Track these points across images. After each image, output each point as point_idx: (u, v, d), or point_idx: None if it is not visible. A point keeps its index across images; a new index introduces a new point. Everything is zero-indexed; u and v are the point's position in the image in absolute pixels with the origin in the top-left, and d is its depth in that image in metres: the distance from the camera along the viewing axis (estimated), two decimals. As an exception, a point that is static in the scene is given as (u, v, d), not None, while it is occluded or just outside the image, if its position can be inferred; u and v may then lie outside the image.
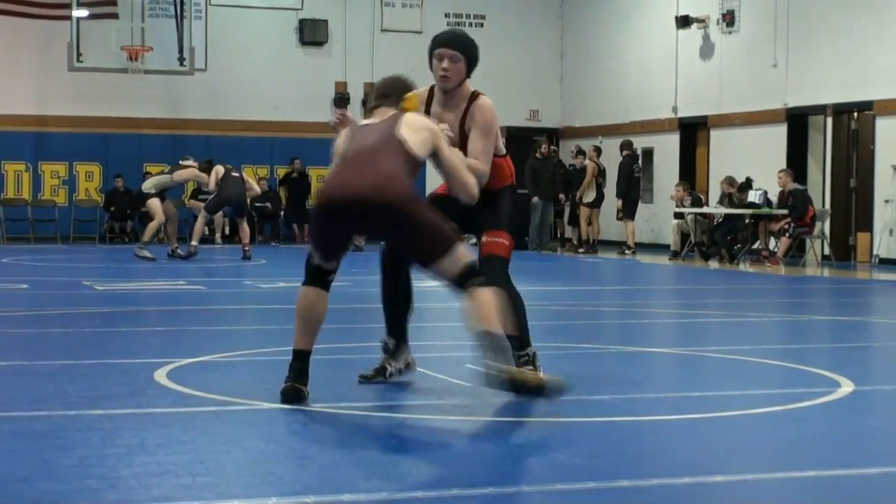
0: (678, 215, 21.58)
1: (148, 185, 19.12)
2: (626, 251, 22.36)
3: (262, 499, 4.21)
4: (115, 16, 24.14)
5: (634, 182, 22.97)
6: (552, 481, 4.54)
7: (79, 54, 23.16)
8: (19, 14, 24.03)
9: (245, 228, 19.62)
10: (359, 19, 26.12)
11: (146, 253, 18.15)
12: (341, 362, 7.75)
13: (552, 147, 25.14)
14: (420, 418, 5.89)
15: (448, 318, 11.20)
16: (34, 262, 18.00)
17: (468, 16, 26.88)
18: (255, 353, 8.04)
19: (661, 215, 23.96)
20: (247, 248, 19.25)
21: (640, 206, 23.38)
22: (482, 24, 26.96)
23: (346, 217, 5.91)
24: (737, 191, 20.74)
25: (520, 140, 26.96)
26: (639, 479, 4.63)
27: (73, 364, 7.40)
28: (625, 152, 22.97)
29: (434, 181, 6.58)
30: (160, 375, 6.82)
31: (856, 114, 20.59)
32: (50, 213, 24.31)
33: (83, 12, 23.39)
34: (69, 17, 23.35)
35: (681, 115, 24.01)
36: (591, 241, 23.23)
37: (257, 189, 20.70)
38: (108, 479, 4.49)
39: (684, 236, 21.51)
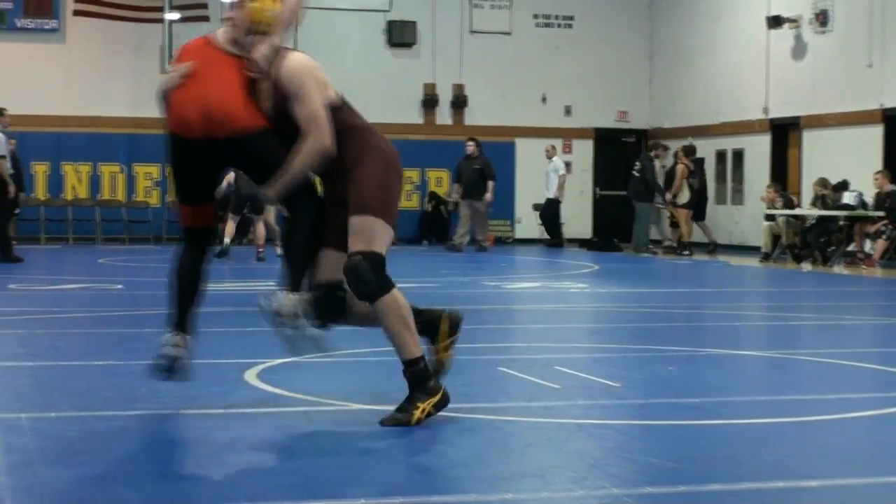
0: (769, 217, 21.34)
1: None
2: (682, 252, 22.35)
3: (352, 500, 4.22)
4: (206, 18, 24.37)
5: (698, 185, 23.08)
6: (642, 484, 4.51)
7: (171, 57, 23.37)
8: (115, 17, 24.37)
9: (261, 229, 19.37)
10: (447, 20, 26.12)
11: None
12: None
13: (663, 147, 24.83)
14: (507, 420, 5.87)
15: (536, 321, 11.17)
16: (128, 262, 18.22)
17: (556, 17, 26.78)
18: (344, 354, 8.05)
19: (751, 217, 23.70)
20: (261, 250, 19.07)
21: (731, 207, 23.10)
22: (570, 25, 26.86)
23: None
24: (831, 192, 20.47)
25: (608, 140, 26.86)
26: (730, 482, 4.58)
27: (166, 364, 7.46)
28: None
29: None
30: (251, 375, 6.87)
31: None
32: (143, 215, 24.59)
33: (175, 15, 23.65)
34: (162, 20, 23.62)
35: (772, 115, 23.74)
36: (683, 242, 23.03)
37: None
38: (198, 479, 4.53)
39: (775, 238, 21.26)
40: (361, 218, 5.48)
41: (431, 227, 25.78)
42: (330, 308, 5.56)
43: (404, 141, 25.83)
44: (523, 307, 12.20)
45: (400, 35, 25.83)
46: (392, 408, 5.81)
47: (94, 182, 24.76)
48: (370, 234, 5.48)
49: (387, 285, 5.49)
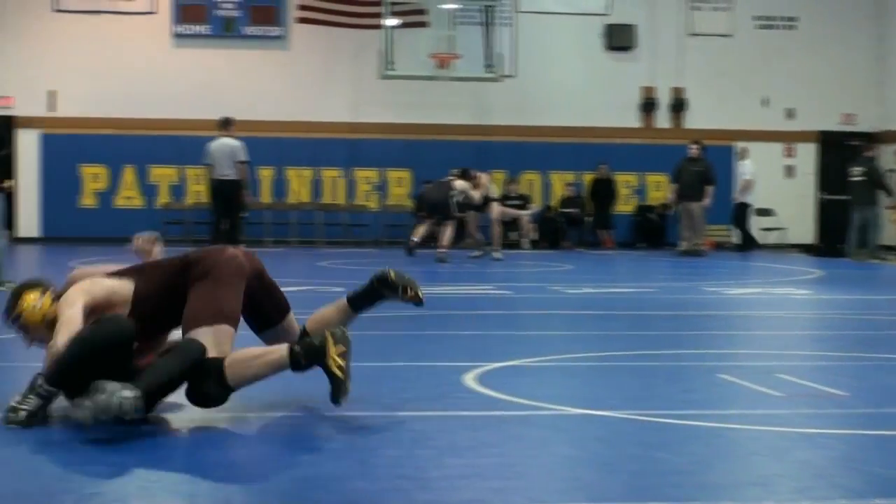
0: None
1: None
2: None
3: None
4: (425, 24, 24.66)
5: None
6: (871, 496, 4.37)
7: (390, 62, 23.72)
8: (336, 24, 24.85)
9: (445, 231, 19.59)
10: (666, 23, 25.85)
11: (497, 255, 19.32)
12: (646, 370, 7.67)
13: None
14: (728, 427, 5.76)
15: (757, 327, 10.96)
16: (348, 265, 18.52)
17: (779, 18, 26.24)
18: (563, 359, 8.03)
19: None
20: (440, 251, 19.21)
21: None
22: (794, 27, 26.29)
23: None
24: None
25: (832, 144, 26.19)
26: (965, 498, 4.40)
27: (386, 366, 7.56)
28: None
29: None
30: (469, 379, 6.90)
31: None
32: (363, 218, 24.99)
33: (395, 21, 23.97)
34: (381, 27, 23.96)
35: None
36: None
37: (473, 196, 20.53)
38: (418, 480, 4.56)
39: None
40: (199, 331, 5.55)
41: (646, 232, 25.53)
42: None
43: (622, 145, 25.73)
44: (743, 313, 11.97)
45: (618, 38, 25.67)
46: (609, 413, 5.77)
47: (316, 186, 25.28)
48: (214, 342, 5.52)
49: (225, 387, 5.49)
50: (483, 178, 20.61)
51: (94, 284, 5.80)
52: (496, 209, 20.53)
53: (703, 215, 22.65)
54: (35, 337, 5.87)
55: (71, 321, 5.55)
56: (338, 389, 5.45)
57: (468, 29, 24.52)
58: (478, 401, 6.29)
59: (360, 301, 6.47)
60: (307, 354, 5.46)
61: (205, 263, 5.77)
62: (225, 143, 18.66)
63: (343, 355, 5.48)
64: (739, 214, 24.37)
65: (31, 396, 5.39)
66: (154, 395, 5.37)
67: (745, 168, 24.26)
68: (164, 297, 5.76)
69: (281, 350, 5.55)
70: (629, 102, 25.84)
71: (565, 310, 12.06)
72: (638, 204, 25.78)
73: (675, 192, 22.98)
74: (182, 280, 5.75)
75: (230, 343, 5.61)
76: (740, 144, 24.77)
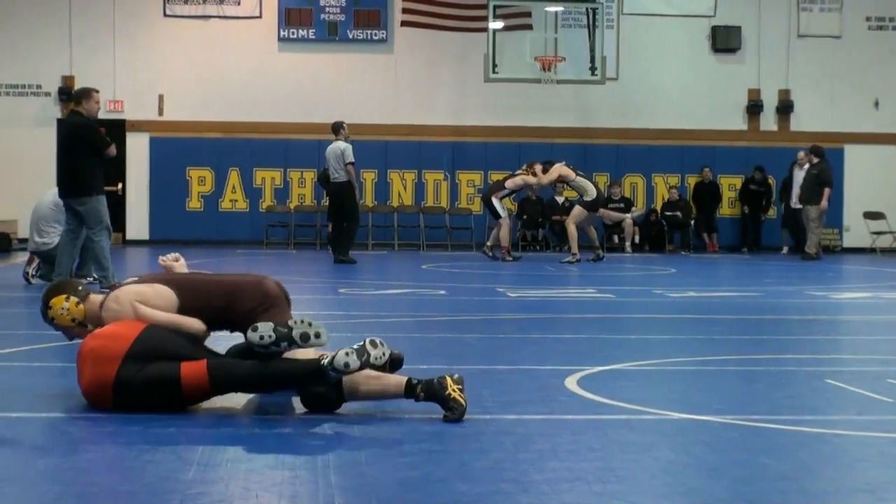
0: None
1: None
2: None
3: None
4: (529, 27, 24.65)
5: None
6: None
7: (494, 65, 23.71)
8: (440, 27, 24.92)
9: (494, 232, 20.37)
10: (774, 25, 25.54)
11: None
12: (750, 374, 7.59)
13: None
14: (835, 433, 5.67)
15: (865, 332, 10.79)
16: (451, 268, 18.56)
17: (891, 19, 25.79)
18: (666, 363, 7.97)
19: None
20: (491, 245, 20.11)
21: None
22: (906, 27, 25.87)
23: None
24: None
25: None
26: None
27: (488, 369, 7.55)
28: None
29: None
30: (571, 382, 6.87)
31: None
32: (466, 221, 25.01)
33: (499, 24, 23.97)
34: (485, 30, 23.96)
35: None
36: None
37: (531, 180, 20.78)
38: (520, 483, 4.55)
39: None
40: None
41: (751, 235, 25.25)
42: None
43: (726, 147, 25.47)
44: (851, 318, 11.80)
45: (724, 40, 25.42)
46: (712, 418, 5.71)
47: (419, 189, 25.36)
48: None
49: (339, 396, 5.87)
50: (555, 169, 20.46)
51: (141, 291, 6.23)
52: (574, 212, 20.42)
53: (819, 218, 22.31)
54: (71, 334, 6.35)
55: (177, 320, 6.09)
56: (456, 413, 5.73)
57: (572, 32, 24.45)
58: (580, 404, 6.26)
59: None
60: (426, 390, 5.79)
61: (256, 294, 6.21)
62: (335, 147, 18.95)
63: (461, 390, 5.80)
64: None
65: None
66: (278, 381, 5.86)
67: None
68: (203, 312, 6.19)
69: (398, 379, 5.89)
70: (734, 105, 25.58)
71: (668, 314, 11.97)
72: (742, 207, 25.47)
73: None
74: (225, 304, 6.20)
75: None
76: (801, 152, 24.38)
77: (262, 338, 5.74)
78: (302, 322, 5.77)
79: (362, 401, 5.89)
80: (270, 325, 5.77)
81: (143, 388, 5.70)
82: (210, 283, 6.34)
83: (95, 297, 6.31)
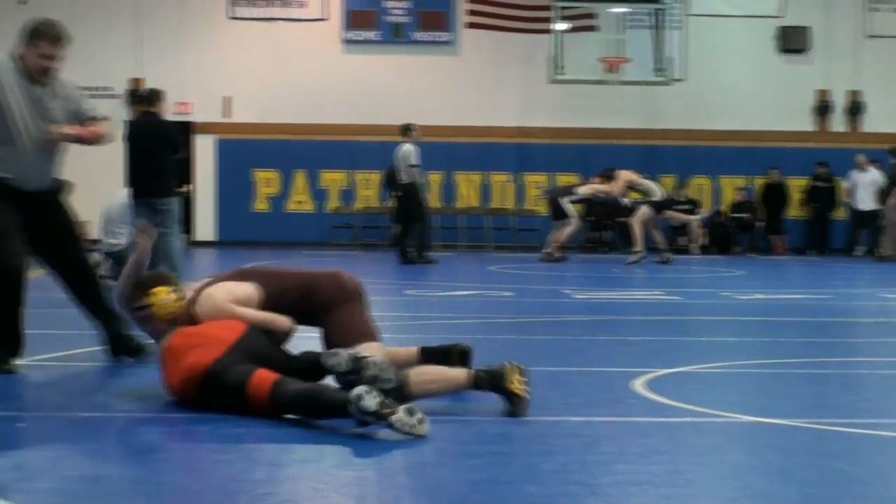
0: None
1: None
2: None
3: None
4: (594, 28, 24.57)
5: None
6: None
7: (559, 67, 23.65)
8: (505, 29, 24.92)
9: (559, 231, 20.40)
10: (842, 25, 25.30)
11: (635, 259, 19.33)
12: (821, 377, 7.52)
13: None
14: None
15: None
16: (517, 270, 18.54)
17: (960, 17, 25.49)
18: (734, 365, 7.92)
19: None
20: (548, 251, 20.18)
21: None
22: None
23: None
24: None
25: None
26: None
27: (555, 371, 7.53)
28: None
29: None
30: (638, 385, 6.84)
31: None
32: (531, 223, 24.95)
33: (564, 25, 23.91)
34: (550, 31, 23.91)
35: None
36: None
37: (604, 189, 20.69)
38: (588, 486, 4.54)
39: None
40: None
41: (819, 236, 25.00)
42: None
43: (794, 149, 25.24)
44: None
45: (791, 41, 25.22)
46: (782, 421, 5.67)
47: (485, 191, 25.36)
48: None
49: (406, 395, 5.80)
50: (622, 175, 20.42)
51: (232, 290, 6.29)
52: (641, 212, 20.31)
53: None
54: (154, 328, 6.27)
55: (269, 318, 6.20)
56: (519, 407, 5.79)
57: (637, 32, 24.33)
58: (647, 407, 6.23)
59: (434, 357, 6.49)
60: (491, 380, 5.84)
61: (333, 288, 6.35)
62: (401, 149, 19.05)
63: (524, 383, 5.85)
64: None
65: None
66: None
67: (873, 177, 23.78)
68: (281, 303, 6.27)
69: (461, 373, 5.95)
70: (802, 106, 25.37)
71: (736, 316, 11.88)
72: (811, 208, 25.22)
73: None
74: (301, 295, 6.31)
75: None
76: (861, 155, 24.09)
77: (338, 364, 5.75)
78: (376, 365, 5.71)
79: (428, 397, 5.88)
80: (347, 356, 5.76)
81: (225, 386, 5.64)
82: (288, 276, 6.41)
83: (187, 293, 6.32)
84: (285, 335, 6.20)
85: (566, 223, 20.31)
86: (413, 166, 18.83)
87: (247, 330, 5.90)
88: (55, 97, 7.22)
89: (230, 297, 6.17)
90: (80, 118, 7.35)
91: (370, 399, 5.23)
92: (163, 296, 6.18)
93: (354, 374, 5.68)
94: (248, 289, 6.26)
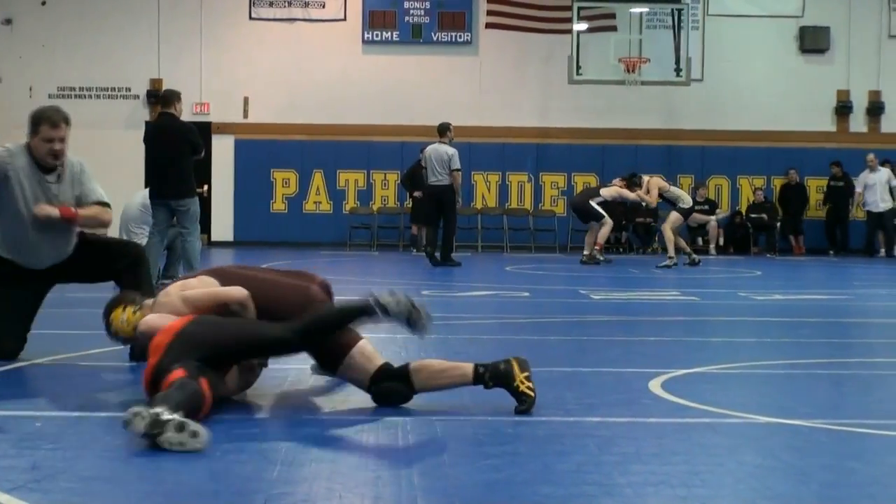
0: None
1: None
2: None
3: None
4: (613, 28, 24.54)
5: None
6: None
7: (578, 67, 23.63)
8: (525, 29, 24.91)
9: (593, 231, 20.15)
10: (864, 25, 25.22)
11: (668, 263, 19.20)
12: (838, 378, 7.50)
13: None
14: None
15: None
16: (535, 270, 18.53)
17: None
18: (751, 366, 7.90)
19: None
20: (589, 253, 19.96)
21: None
22: None
23: None
24: None
25: None
26: None
27: (572, 371, 7.53)
28: None
29: None
30: (655, 385, 6.82)
31: None
32: (549, 223, 24.94)
33: (583, 26, 23.88)
34: (570, 31, 23.89)
35: None
36: None
37: (628, 195, 20.56)
38: (604, 486, 4.53)
39: None
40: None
41: (838, 237, 24.93)
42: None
43: (814, 149, 25.17)
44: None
45: (812, 41, 25.14)
46: (799, 422, 5.65)
47: (503, 191, 25.34)
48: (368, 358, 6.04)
49: (410, 389, 5.96)
50: (652, 184, 20.26)
51: (185, 283, 6.38)
52: (672, 218, 20.19)
53: None
54: (136, 345, 6.59)
55: (218, 292, 6.19)
56: (525, 405, 5.81)
57: (657, 33, 24.31)
58: (664, 407, 6.22)
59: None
60: (494, 377, 5.87)
61: (301, 302, 6.19)
62: (440, 150, 18.69)
63: (528, 378, 5.87)
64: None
65: None
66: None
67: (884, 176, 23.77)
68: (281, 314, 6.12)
69: (465, 368, 5.96)
70: (822, 106, 25.30)
71: (754, 316, 11.86)
72: (830, 209, 25.16)
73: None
74: (265, 306, 6.17)
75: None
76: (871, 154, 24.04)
77: (397, 303, 5.81)
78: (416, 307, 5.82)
79: (432, 391, 5.95)
80: (405, 297, 5.85)
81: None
82: (255, 281, 6.32)
83: (150, 301, 6.41)
84: (242, 305, 6.16)
85: (601, 224, 20.08)
86: (457, 170, 18.57)
87: (187, 323, 5.89)
88: (62, 182, 7.59)
89: (182, 288, 6.27)
90: (81, 201, 7.65)
91: (139, 422, 5.00)
92: (117, 320, 6.37)
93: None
94: (204, 279, 6.31)
